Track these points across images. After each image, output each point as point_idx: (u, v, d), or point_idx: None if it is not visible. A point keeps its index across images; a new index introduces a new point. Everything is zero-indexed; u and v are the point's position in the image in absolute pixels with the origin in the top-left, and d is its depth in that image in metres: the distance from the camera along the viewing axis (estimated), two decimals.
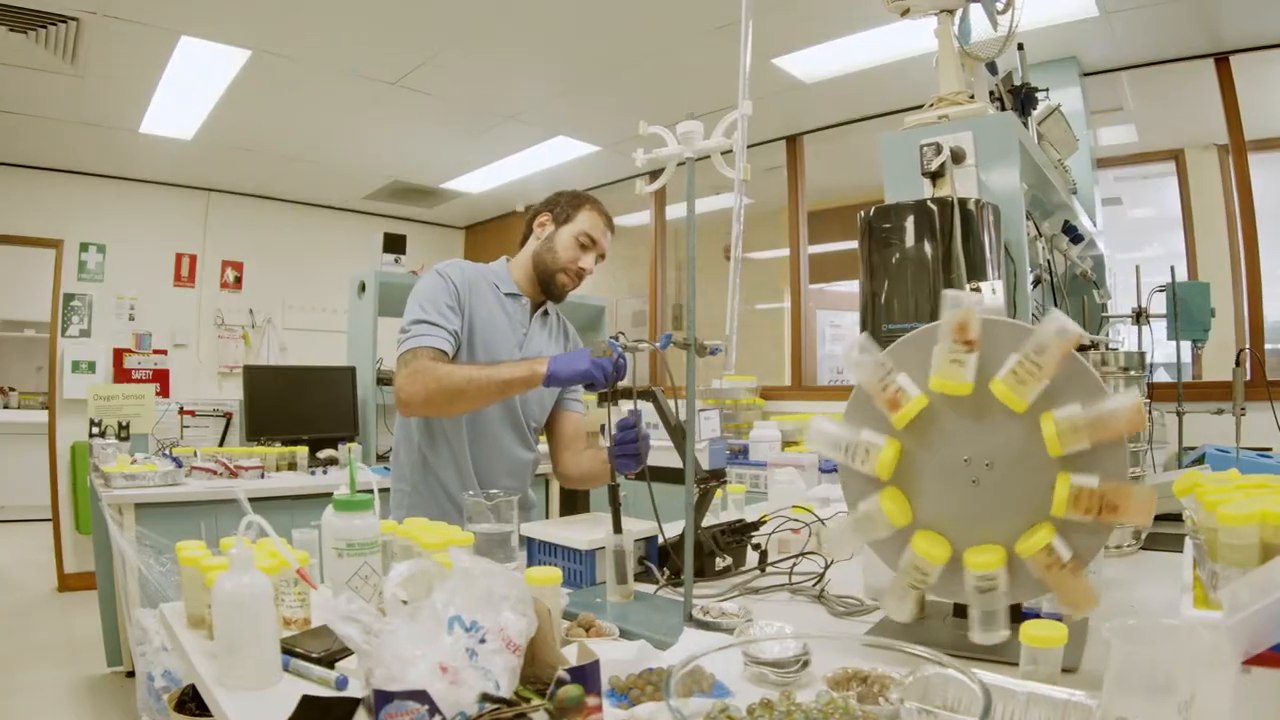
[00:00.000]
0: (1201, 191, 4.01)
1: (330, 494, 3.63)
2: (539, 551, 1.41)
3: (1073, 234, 2.25)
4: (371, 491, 1.15)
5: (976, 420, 0.93)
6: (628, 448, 1.40)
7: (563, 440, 1.88)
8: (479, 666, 0.69)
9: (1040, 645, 0.82)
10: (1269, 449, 2.57)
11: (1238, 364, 2.28)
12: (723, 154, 1.12)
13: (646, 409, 1.44)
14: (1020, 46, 2.27)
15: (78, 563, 4.61)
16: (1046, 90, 2.23)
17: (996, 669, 0.81)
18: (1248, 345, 3.09)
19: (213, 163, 4.80)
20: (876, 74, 3.55)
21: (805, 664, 0.88)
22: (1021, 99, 2.18)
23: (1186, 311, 2.32)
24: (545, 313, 1.85)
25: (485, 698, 0.64)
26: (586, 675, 0.64)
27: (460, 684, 0.66)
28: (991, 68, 2.13)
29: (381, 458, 4.00)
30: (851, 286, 6.73)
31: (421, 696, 0.61)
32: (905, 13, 1.88)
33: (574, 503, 3.16)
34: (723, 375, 4.29)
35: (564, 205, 1.78)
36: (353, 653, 0.96)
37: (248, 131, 4.28)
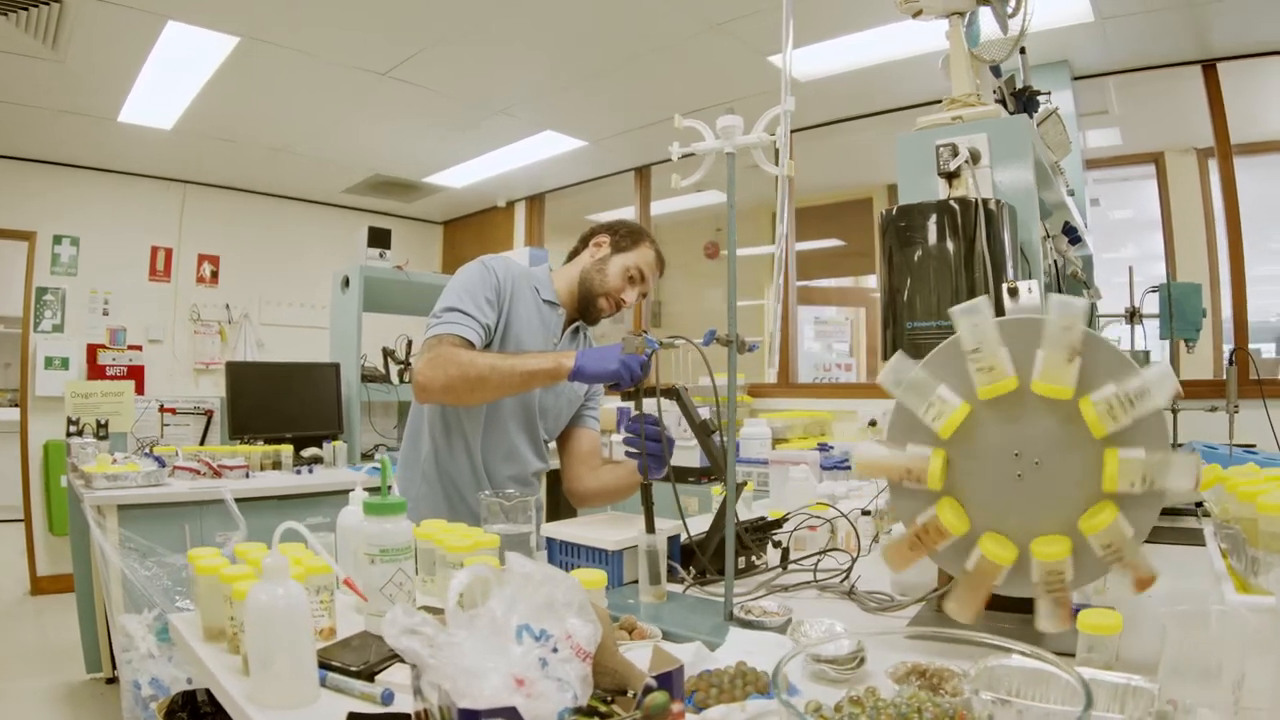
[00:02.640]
0: (1180, 194, 4.11)
1: (317, 494, 3.56)
2: (561, 553, 1.39)
3: (1072, 235, 2.28)
4: (391, 488, 1.12)
5: (1016, 417, 0.94)
6: (652, 446, 1.38)
7: (578, 456, 1.85)
8: (553, 677, 0.66)
9: (1098, 633, 0.85)
10: (1253, 445, 2.63)
11: (1231, 362, 2.32)
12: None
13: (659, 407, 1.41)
14: (1023, 50, 2.29)
15: (51, 565, 4.48)
16: (1049, 93, 2.26)
17: None
18: (1231, 344, 3.16)
19: (191, 154, 4.68)
20: (867, 75, 3.58)
21: (862, 660, 0.87)
22: (1024, 102, 2.20)
23: (1180, 311, 2.36)
24: (577, 330, 1.82)
25: (579, 711, 0.62)
26: (672, 682, 0.62)
27: (537, 696, 0.64)
28: (995, 70, 2.15)
29: (366, 456, 3.94)
30: (832, 283, 6.80)
31: (510, 713, 0.58)
32: (917, 14, 1.88)
33: (566, 504, 3.13)
34: (713, 373, 4.29)
35: (625, 234, 1.77)
36: (391, 664, 0.94)
37: (230, 122, 4.18)
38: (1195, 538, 1.64)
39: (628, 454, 1.48)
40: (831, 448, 3.19)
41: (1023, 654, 0.71)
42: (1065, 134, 2.55)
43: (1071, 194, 2.52)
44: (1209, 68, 3.17)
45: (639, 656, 0.81)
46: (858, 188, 5.84)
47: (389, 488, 1.10)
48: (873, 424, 3.83)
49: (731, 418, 1.07)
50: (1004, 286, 1.15)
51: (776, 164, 1.11)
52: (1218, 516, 1.20)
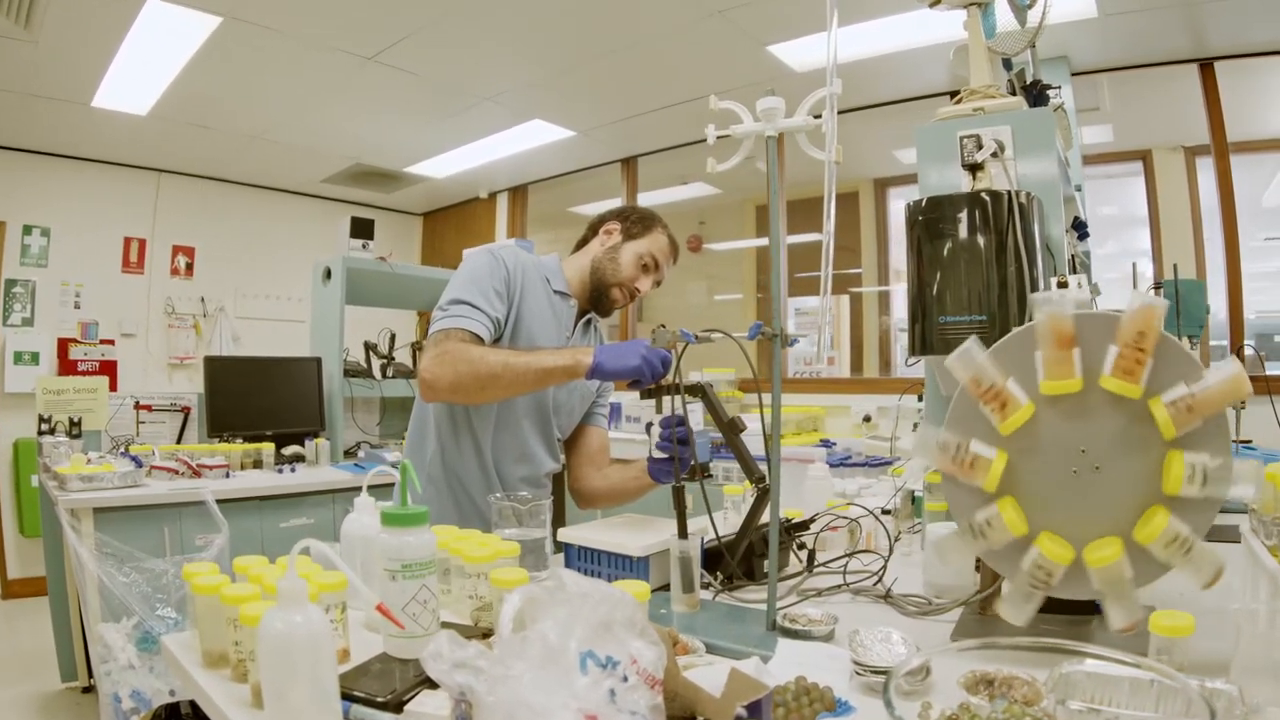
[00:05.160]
0: (1167, 191, 4.13)
1: (301, 494, 3.43)
2: (580, 559, 1.33)
3: (1081, 230, 2.27)
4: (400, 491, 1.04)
5: (1080, 415, 0.90)
6: (680, 449, 1.32)
7: (587, 456, 1.78)
8: (625, 710, 0.60)
9: (1171, 635, 0.82)
10: (1249, 440, 2.64)
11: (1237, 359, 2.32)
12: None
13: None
14: (1033, 44, 2.27)
15: (22, 568, 4.33)
16: (1059, 88, 2.23)
17: None
18: (1216, 342, 3.17)
19: (167, 141, 4.52)
20: (855, 68, 3.54)
21: (928, 671, 0.83)
22: (1034, 95, 2.18)
23: (1184, 308, 2.36)
24: (589, 321, 1.75)
25: None
26: (761, 710, 0.57)
27: None
28: (1006, 64, 2.12)
29: (349, 453, 3.84)
30: (813, 275, 6.77)
31: None
32: (935, 3, 1.84)
33: (565, 507, 3.06)
34: (702, 369, 4.24)
35: (636, 220, 1.70)
36: (420, 691, 0.86)
37: (208, 107, 4.04)
38: (1217, 534, 1.62)
39: (653, 458, 1.42)
40: (834, 444, 3.15)
41: (1124, 663, 0.67)
42: (1069, 129, 2.54)
43: (1078, 189, 2.51)
44: (1206, 66, 3.18)
45: (703, 676, 0.76)
46: (843, 181, 5.81)
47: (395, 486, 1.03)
48: (867, 419, 3.80)
49: (776, 417, 1.02)
50: (1054, 281, 1.11)
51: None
52: (1261, 513, 1.17)
